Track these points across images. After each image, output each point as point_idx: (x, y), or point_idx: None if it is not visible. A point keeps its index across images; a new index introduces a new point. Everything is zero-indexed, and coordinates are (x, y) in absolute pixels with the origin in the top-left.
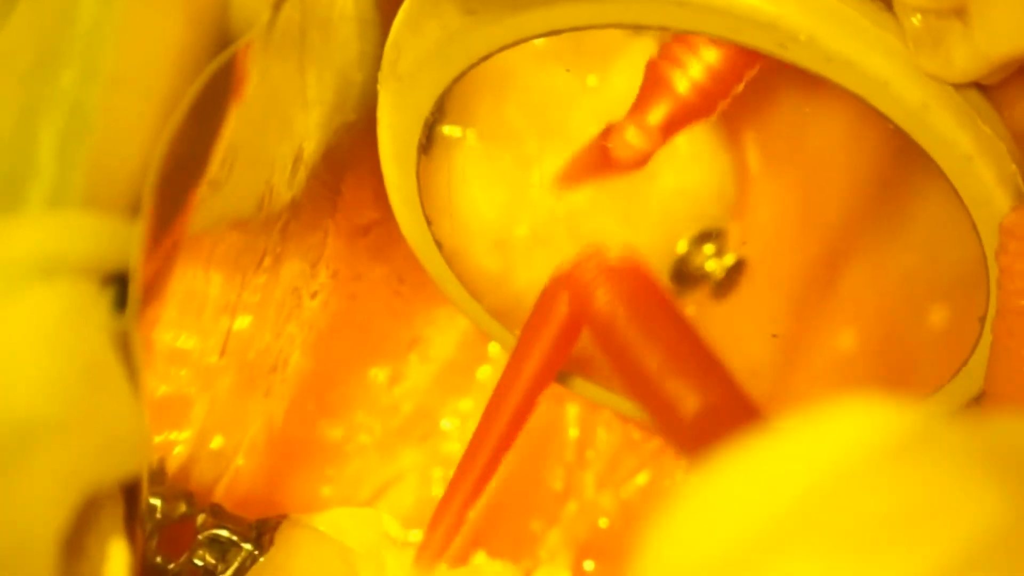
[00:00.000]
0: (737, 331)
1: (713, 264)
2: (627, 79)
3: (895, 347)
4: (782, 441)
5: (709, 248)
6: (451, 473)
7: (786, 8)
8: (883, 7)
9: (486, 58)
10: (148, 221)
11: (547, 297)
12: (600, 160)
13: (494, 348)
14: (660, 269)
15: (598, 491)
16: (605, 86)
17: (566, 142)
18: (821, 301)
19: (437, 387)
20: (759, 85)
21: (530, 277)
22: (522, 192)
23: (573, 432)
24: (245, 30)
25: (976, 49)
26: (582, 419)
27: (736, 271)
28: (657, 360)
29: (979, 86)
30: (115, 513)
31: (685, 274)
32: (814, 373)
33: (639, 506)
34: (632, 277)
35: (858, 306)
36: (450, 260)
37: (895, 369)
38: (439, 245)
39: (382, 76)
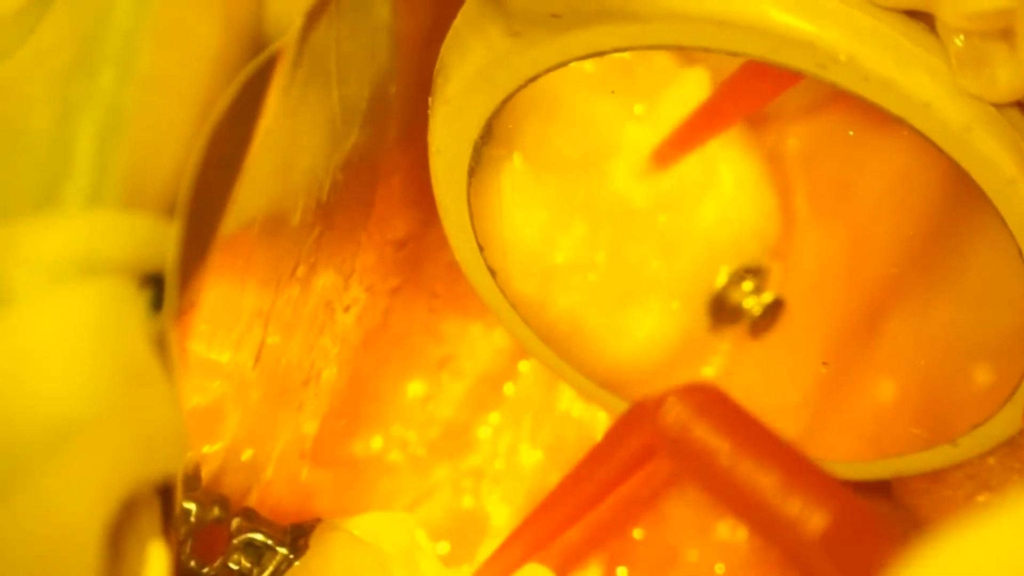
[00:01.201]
0: (772, 370)
1: (751, 301)
2: (674, 109)
3: (934, 394)
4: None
5: (748, 284)
6: (481, 487)
7: (825, 28)
8: (925, 27)
9: (532, 80)
10: (184, 223)
11: (627, 424)
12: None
13: (524, 365)
14: (697, 302)
15: (629, 500)
16: (652, 115)
17: (610, 169)
18: (860, 349)
19: (469, 402)
20: (812, 129)
21: (567, 304)
22: (564, 217)
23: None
24: (279, 34)
25: (1022, 70)
26: None
27: (774, 310)
28: (771, 481)
29: (1021, 107)
30: (152, 516)
31: (722, 308)
32: (847, 416)
33: (672, 516)
34: (714, 401)
35: (898, 358)
36: (503, 287)
37: (931, 414)
38: (492, 272)
39: (432, 101)
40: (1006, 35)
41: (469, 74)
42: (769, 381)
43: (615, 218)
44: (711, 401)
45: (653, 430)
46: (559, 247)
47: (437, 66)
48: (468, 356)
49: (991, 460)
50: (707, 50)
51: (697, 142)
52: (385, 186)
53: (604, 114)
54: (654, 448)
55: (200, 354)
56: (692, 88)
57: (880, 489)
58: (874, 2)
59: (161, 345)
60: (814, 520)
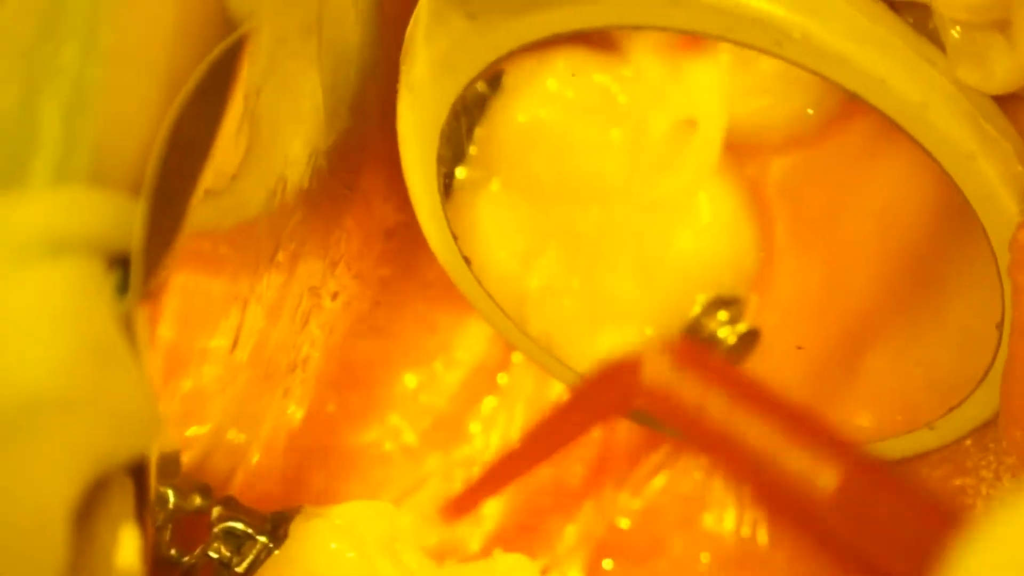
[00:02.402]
0: None
1: (726, 331)
2: (652, 137)
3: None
4: None
5: (723, 315)
6: (471, 475)
7: (781, 6)
8: (885, 6)
9: (494, 64)
10: (150, 202)
11: (599, 383)
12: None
13: (517, 355)
14: (671, 330)
15: (616, 490)
16: (629, 141)
17: (586, 194)
18: (837, 383)
19: (462, 392)
20: (796, 160)
21: (542, 328)
22: (540, 242)
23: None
24: (246, 14)
25: (1019, 61)
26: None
27: (749, 340)
28: (773, 435)
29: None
30: (125, 499)
31: (696, 337)
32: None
33: (658, 506)
34: (697, 354)
35: (875, 392)
36: (479, 275)
37: (907, 401)
38: (467, 260)
39: (400, 88)
40: (1003, 27)
41: (431, 60)
42: None
43: (591, 244)
44: (694, 354)
45: (634, 388)
46: (534, 271)
47: (402, 54)
48: (462, 346)
49: (968, 442)
50: (662, 29)
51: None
52: (370, 173)
53: (582, 140)
54: (624, 407)
55: (177, 338)
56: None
57: None
58: None
59: (129, 326)
60: (824, 477)
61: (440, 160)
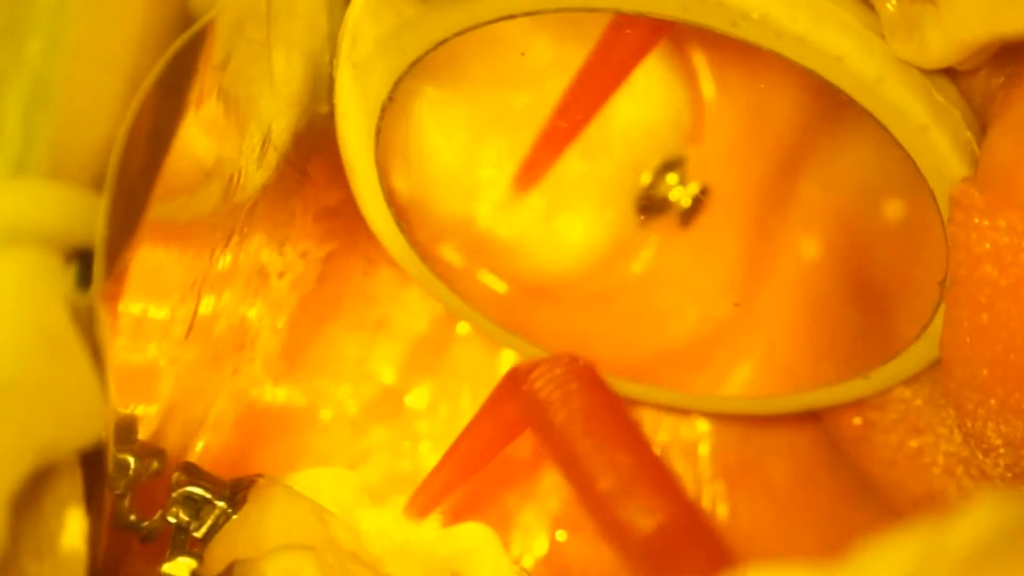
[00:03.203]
0: (705, 254)
1: (678, 192)
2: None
3: (847, 329)
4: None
5: (672, 178)
6: (419, 448)
7: None
8: None
9: (441, 43)
10: (112, 197)
11: (503, 389)
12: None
13: (463, 327)
14: (626, 202)
15: None
16: (558, 25)
17: (521, 81)
18: (781, 212)
19: (406, 366)
20: None
21: (495, 219)
22: (483, 134)
23: None
24: (207, 8)
25: (948, 33)
26: None
27: (701, 199)
28: (612, 478)
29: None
30: (74, 483)
31: (651, 205)
32: (780, 286)
33: None
34: (590, 385)
35: (816, 211)
36: (417, 246)
37: (844, 350)
38: (404, 232)
39: (338, 63)
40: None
41: (378, 39)
42: (703, 264)
43: (532, 128)
44: (580, 377)
45: (519, 397)
46: (481, 163)
47: (343, 30)
48: (405, 319)
49: (918, 402)
50: (616, 10)
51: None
52: (321, 156)
53: (514, 31)
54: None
55: (135, 318)
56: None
57: (818, 438)
58: None
59: (87, 319)
60: (643, 522)
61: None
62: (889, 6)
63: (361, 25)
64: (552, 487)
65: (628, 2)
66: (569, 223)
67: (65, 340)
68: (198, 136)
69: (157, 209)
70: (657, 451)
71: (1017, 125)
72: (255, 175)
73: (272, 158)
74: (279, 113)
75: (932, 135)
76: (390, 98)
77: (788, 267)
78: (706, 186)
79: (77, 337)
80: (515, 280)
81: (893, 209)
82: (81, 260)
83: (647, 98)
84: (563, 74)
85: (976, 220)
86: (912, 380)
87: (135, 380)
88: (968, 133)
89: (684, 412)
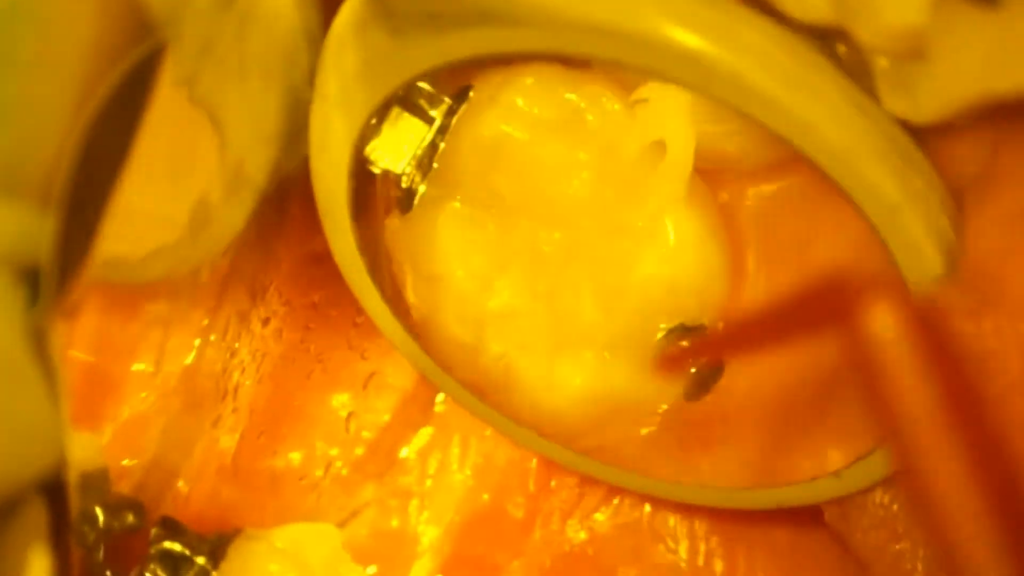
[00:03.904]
0: (707, 439)
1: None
2: (620, 158)
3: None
4: None
5: (686, 343)
6: (409, 507)
7: (710, 43)
8: (818, 47)
9: (414, 80)
10: (61, 215)
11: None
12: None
13: None
14: (635, 358)
15: (563, 521)
16: (595, 162)
17: (552, 216)
18: (806, 421)
19: (395, 420)
20: (771, 187)
21: (500, 351)
22: (501, 262)
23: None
24: (165, 23)
25: (941, 91)
26: None
27: (712, 372)
28: None
29: (916, 135)
30: (37, 517)
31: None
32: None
33: (607, 538)
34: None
35: (851, 431)
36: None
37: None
38: (401, 293)
39: (313, 98)
40: (921, 56)
41: (349, 73)
42: (705, 448)
43: (553, 266)
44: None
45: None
46: (495, 292)
47: (317, 65)
48: (394, 373)
49: (895, 507)
50: (591, 59)
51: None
52: (300, 197)
53: (547, 160)
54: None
55: (100, 363)
56: (641, 137)
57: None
58: (786, 16)
59: (37, 341)
60: None
61: (395, 177)
62: (882, 62)
63: (332, 61)
64: (543, 544)
65: (601, 50)
66: (571, 367)
67: (16, 365)
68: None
69: (118, 272)
70: (650, 505)
71: (1004, 213)
72: (226, 212)
73: (247, 196)
74: (254, 148)
75: (904, 216)
76: (408, 201)
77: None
78: (720, 363)
79: (29, 361)
80: (507, 410)
81: None
82: (33, 281)
83: (675, 258)
84: (597, 216)
85: (958, 324)
86: (890, 484)
87: (126, 433)
88: (944, 219)
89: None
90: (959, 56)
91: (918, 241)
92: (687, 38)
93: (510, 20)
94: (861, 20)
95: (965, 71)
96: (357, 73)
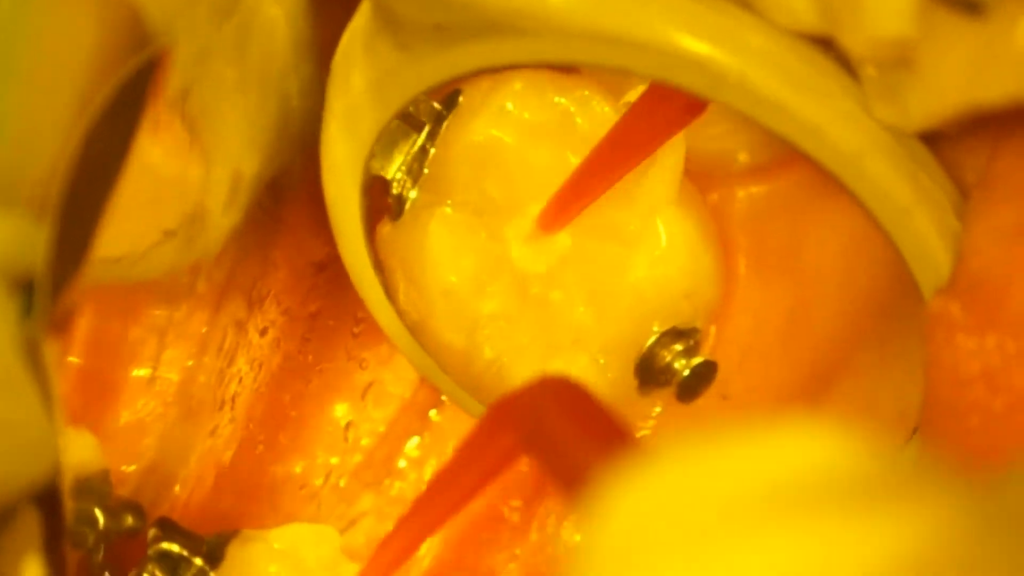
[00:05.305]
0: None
1: (681, 363)
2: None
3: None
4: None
5: (679, 346)
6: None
7: (717, 49)
8: (822, 52)
9: (421, 95)
10: (56, 225)
11: (490, 421)
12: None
13: None
14: (625, 359)
15: (558, 524)
16: None
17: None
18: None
19: (392, 429)
20: (762, 190)
21: (492, 356)
22: (493, 266)
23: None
24: (162, 32)
25: (928, 99)
26: None
27: (704, 374)
28: None
29: (926, 138)
30: (30, 530)
31: (650, 368)
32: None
33: None
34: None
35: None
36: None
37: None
38: (392, 299)
39: (325, 115)
40: (909, 64)
41: (359, 88)
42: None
43: (545, 268)
44: (570, 395)
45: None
46: (487, 297)
47: (328, 81)
48: (392, 382)
49: None
50: (598, 67)
51: (588, 198)
52: (299, 206)
53: (538, 163)
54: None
55: (96, 370)
56: None
57: None
58: (776, 24)
59: (32, 351)
60: None
61: (388, 183)
62: (870, 70)
63: (345, 76)
64: (538, 547)
65: (610, 58)
66: (564, 369)
67: (10, 374)
68: (158, 158)
69: (113, 271)
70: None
71: (1002, 228)
72: (222, 219)
73: (243, 201)
74: (248, 157)
75: (915, 218)
76: (399, 207)
77: None
78: (712, 363)
79: (23, 370)
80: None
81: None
82: (27, 290)
83: (666, 261)
84: (588, 219)
85: (961, 339)
86: None
87: (125, 438)
88: (956, 221)
89: None
90: (945, 65)
91: (930, 243)
92: (696, 45)
93: (519, 31)
94: (848, 29)
95: (951, 79)
96: (366, 90)
